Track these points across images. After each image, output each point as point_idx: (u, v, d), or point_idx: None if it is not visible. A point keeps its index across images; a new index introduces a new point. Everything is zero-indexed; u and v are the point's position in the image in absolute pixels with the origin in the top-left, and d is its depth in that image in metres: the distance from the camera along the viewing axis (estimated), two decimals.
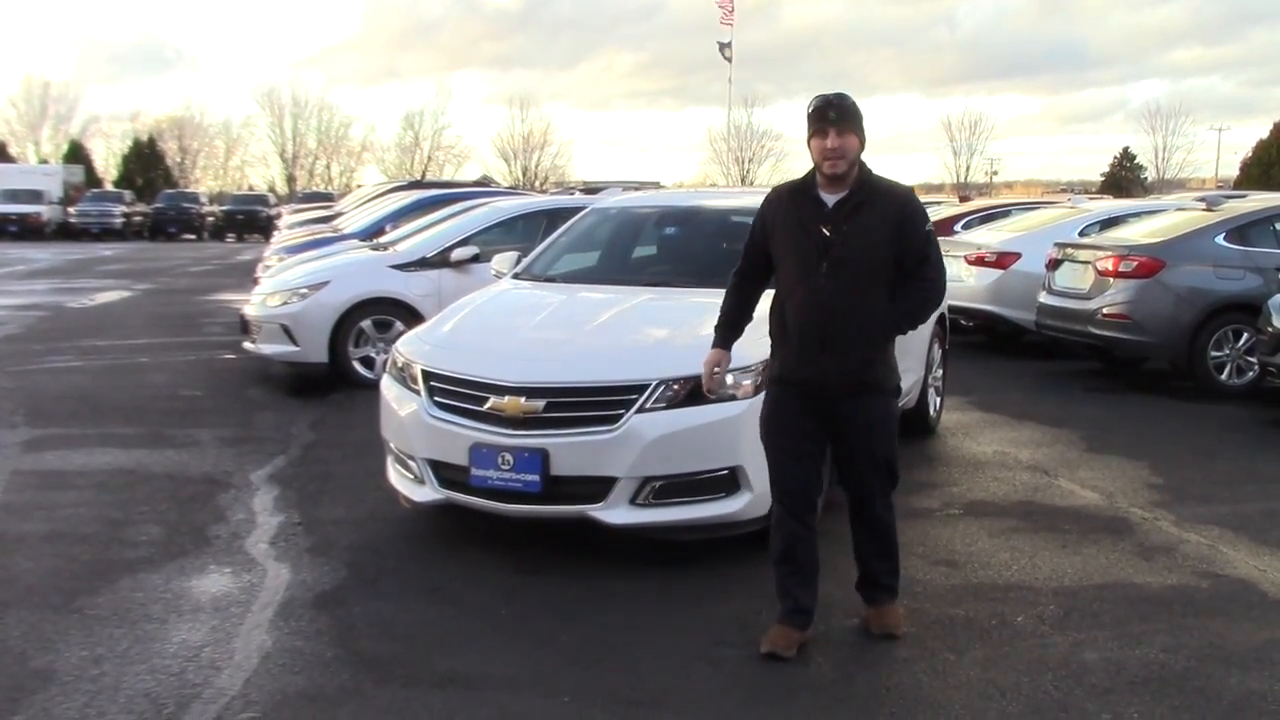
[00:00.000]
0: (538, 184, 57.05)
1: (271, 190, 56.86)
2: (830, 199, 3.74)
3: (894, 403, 3.94)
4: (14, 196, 36.83)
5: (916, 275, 3.77)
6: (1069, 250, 9.99)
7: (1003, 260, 11.10)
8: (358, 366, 8.80)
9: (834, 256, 3.68)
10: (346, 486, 5.87)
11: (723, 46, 48.78)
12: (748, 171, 64.56)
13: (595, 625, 4.07)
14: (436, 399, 4.78)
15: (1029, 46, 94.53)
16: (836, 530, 4.27)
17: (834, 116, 3.65)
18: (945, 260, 4.01)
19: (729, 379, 4.46)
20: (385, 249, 10.09)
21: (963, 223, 14.17)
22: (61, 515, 5.34)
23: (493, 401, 4.58)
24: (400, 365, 5.08)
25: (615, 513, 4.49)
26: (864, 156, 3.76)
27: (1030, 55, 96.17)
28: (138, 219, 40.21)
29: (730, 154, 64.88)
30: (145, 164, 57.39)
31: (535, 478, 4.45)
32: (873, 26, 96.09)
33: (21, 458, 6.49)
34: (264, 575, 4.54)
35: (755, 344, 4.46)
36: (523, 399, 4.53)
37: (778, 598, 3.89)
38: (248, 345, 9.23)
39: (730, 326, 4.08)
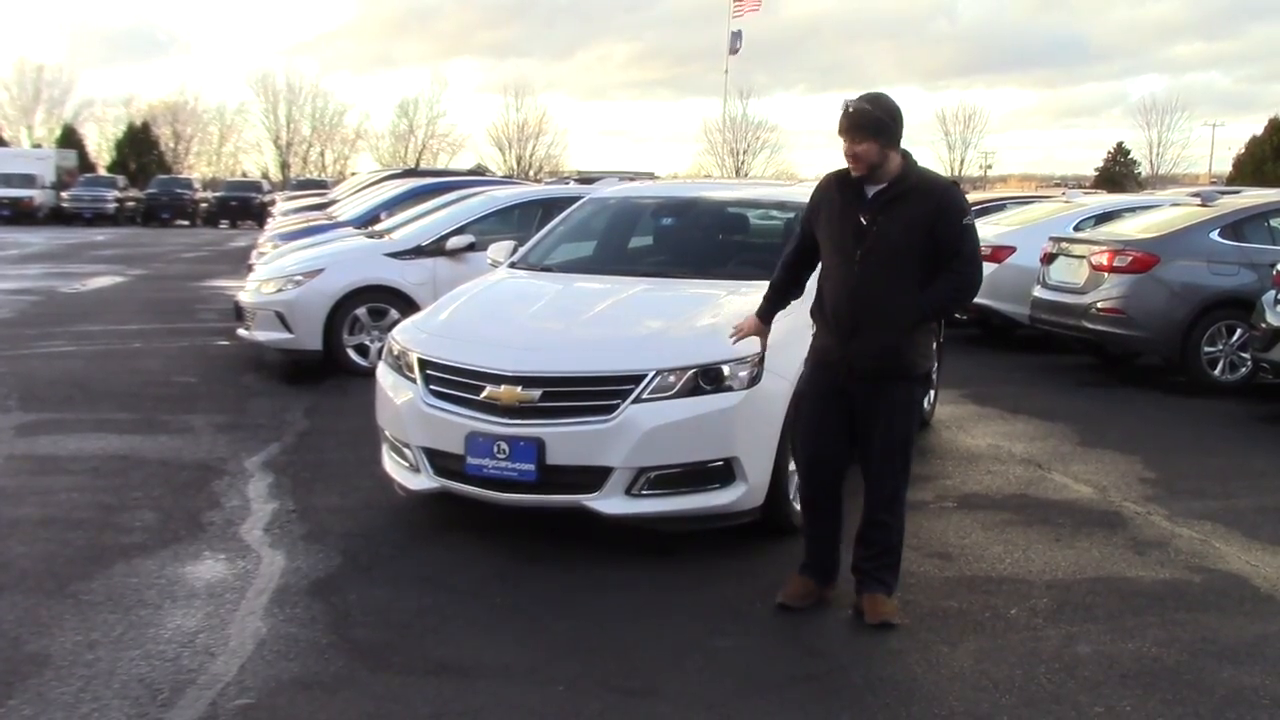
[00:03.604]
0: (532, 173, 56.91)
1: (265, 177, 56.63)
2: (870, 189, 3.87)
3: (920, 389, 4.07)
4: (7, 181, 36.63)
5: (950, 267, 3.85)
6: (1064, 245, 10.01)
7: (998, 254, 11.10)
8: (352, 354, 8.79)
9: (868, 245, 3.82)
10: (341, 474, 5.86)
11: (735, 37, 47.31)
12: (742, 163, 64.52)
13: (590, 614, 4.08)
14: (432, 387, 4.77)
15: (1028, 40, 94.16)
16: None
17: (847, 125, 3.79)
18: None
19: (725, 370, 4.51)
20: (381, 237, 10.07)
21: None
22: (55, 500, 5.33)
23: (489, 390, 4.57)
24: (396, 353, 5.07)
25: (610, 502, 4.49)
26: None
27: (1029, 48, 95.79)
28: (131, 204, 40.05)
29: (725, 145, 64.88)
30: (139, 149, 57.16)
31: (530, 467, 4.45)
32: (872, 18, 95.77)
33: (14, 442, 6.47)
34: (259, 562, 4.54)
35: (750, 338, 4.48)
36: (519, 388, 4.52)
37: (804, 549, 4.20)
38: (242, 332, 9.21)
39: (773, 301, 4.26)
